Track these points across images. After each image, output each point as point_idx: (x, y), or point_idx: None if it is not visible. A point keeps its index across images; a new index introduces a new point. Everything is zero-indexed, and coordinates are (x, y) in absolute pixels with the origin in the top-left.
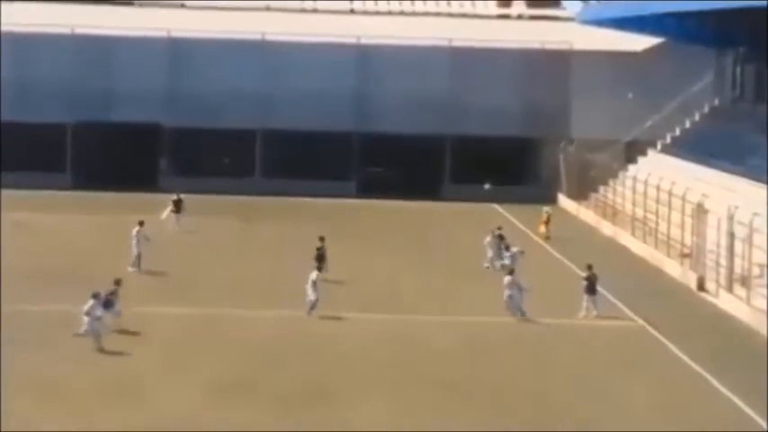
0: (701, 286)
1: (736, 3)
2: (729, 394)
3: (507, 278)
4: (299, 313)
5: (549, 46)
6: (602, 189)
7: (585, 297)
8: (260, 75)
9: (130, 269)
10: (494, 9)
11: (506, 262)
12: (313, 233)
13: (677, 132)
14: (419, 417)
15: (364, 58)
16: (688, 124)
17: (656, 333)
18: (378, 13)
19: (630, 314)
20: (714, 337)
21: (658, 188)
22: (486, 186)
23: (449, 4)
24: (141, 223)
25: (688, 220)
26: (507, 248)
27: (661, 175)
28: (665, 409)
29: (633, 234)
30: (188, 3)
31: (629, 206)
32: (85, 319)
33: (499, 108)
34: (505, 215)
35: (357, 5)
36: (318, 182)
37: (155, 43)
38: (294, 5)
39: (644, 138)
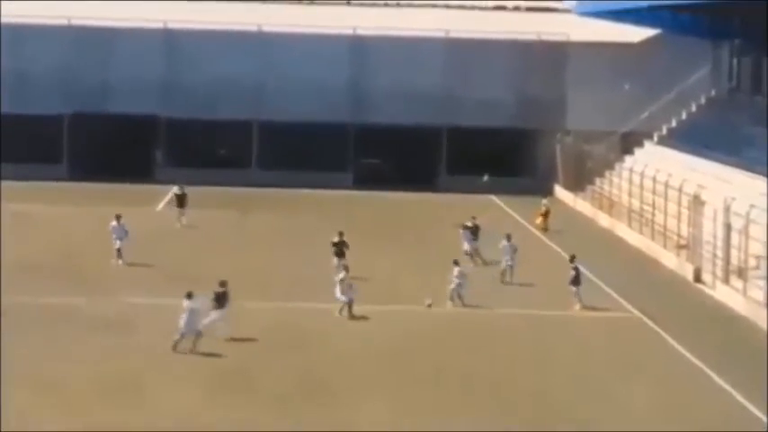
0: (698, 278)
1: None
2: (726, 386)
3: (457, 269)
4: (298, 304)
5: (545, 37)
6: (598, 180)
7: (573, 289)
8: (256, 66)
9: (112, 261)
10: (490, 1)
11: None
12: (311, 225)
13: (674, 124)
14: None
15: (360, 49)
16: (684, 116)
17: (652, 324)
18: (374, 4)
19: (627, 305)
20: (711, 329)
21: (655, 179)
22: (485, 178)
23: None
24: (119, 217)
25: (684, 212)
26: (475, 238)
27: (657, 166)
28: (661, 400)
29: (630, 225)
30: None
31: (625, 198)
32: (182, 321)
33: (496, 99)
34: (502, 206)
35: None
36: (315, 173)
37: (151, 35)
38: None
39: (640, 129)
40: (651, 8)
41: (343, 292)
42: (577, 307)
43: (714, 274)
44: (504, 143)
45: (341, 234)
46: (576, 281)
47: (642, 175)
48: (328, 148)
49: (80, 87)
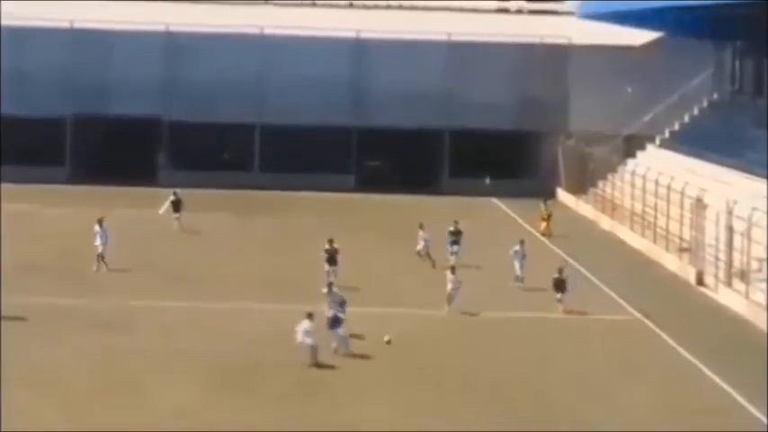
0: (700, 281)
1: None
2: (728, 388)
3: (451, 275)
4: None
5: (547, 40)
6: (600, 183)
7: (557, 295)
8: (258, 68)
9: (94, 268)
10: (492, 3)
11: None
12: (312, 228)
13: (676, 127)
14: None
15: (363, 51)
16: (687, 118)
17: (654, 327)
18: (376, 6)
19: (629, 309)
20: (713, 332)
21: (657, 182)
22: (487, 181)
23: None
24: (101, 221)
25: (687, 215)
26: (456, 243)
27: (660, 169)
28: (661, 402)
29: (632, 228)
30: None
31: (627, 200)
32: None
33: (498, 102)
34: (504, 209)
35: None
36: (317, 176)
37: (154, 37)
38: None
39: (643, 132)
40: (653, 10)
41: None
42: (560, 309)
43: (716, 276)
44: (507, 146)
45: (331, 241)
46: (560, 287)
47: (644, 177)
48: (331, 151)
49: (83, 90)
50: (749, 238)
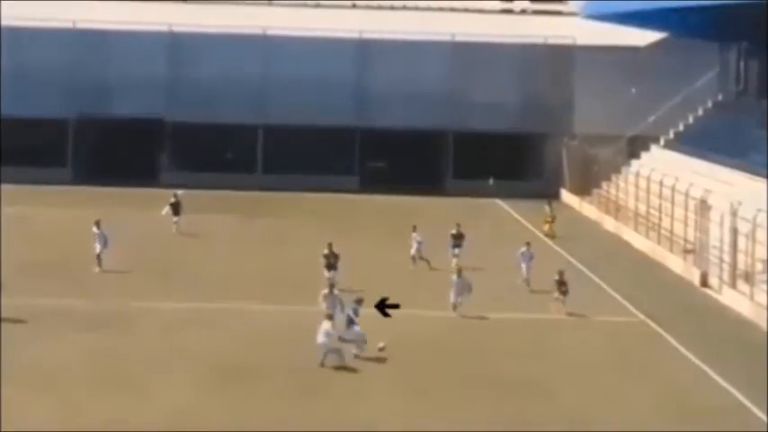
0: (704, 282)
1: None
2: (732, 389)
3: (456, 278)
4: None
5: (551, 41)
6: (604, 184)
7: (559, 296)
8: (261, 69)
9: (95, 270)
10: (496, 4)
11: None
12: (315, 228)
13: (681, 127)
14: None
15: (366, 52)
16: (691, 119)
17: (658, 329)
18: (380, 7)
19: (633, 310)
20: (717, 333)
21: (661, 183)
22: (490, 182)
23: None
24: (98, 223)
25: (691, 216)
26: (458, 245)
27: (664, 170)
28: (665, 403)
29: (636, 230)
30: None
31: (631, 202)
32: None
33: (502, 103)
34: (508, 210)
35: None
36: (321, 176)
37: (156, 37)
38: None
39: (647, 133)
40: (657, 11)
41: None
42: (552, 308)
43: (721, 278)
44: (511, 147)
45: (330, 246)
46: (560, 290)
47: (649, 178)
48: (334, 152)
49: (85, 90)
50: (753, 240)
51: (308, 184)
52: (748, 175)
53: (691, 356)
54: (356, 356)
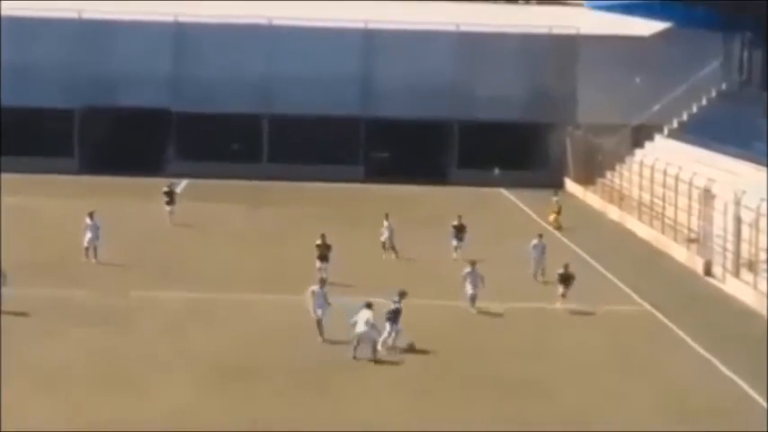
0: (708, 271)
1: None
2: (735, 377)
3: (469, 270)
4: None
5: (556, 31)
6: (608, 174)
7: (564, 290)
8: (267, 60)
9: (84, 259)
10: None
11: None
12: (319, 218)
13: (684, 117)
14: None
15: (371, 42)
16: (695, 109)
17: (662, 318)
18: None
19: (637, 299)
20: (721, 322)
21: (665, 173)
22: (495, 172)
23: None
24: (92, 214)
25: (695, 205)
26: (460, 238)
27: (668, 159)
28: (669, 392)
29: (640, 219)
30: None
31: (635, 191)
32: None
33: (506, 93)
34: (513, 200)
35: None
36: (326, 166)
37: (162, 28)
38: None
39: (651, 122)
40: (662, 1)
41: (318, 306)
42: (557, 304)
43: (724, 267)
44: (515, 137)
45: (323, 236)
46: (565, 282)
47: (652, 168)
48: (339, 142)
49: (91, 81)
50: (757, 229)
51: (313, 174)
52: (752, 165)
53: (695, 346)
54: (390, 350)
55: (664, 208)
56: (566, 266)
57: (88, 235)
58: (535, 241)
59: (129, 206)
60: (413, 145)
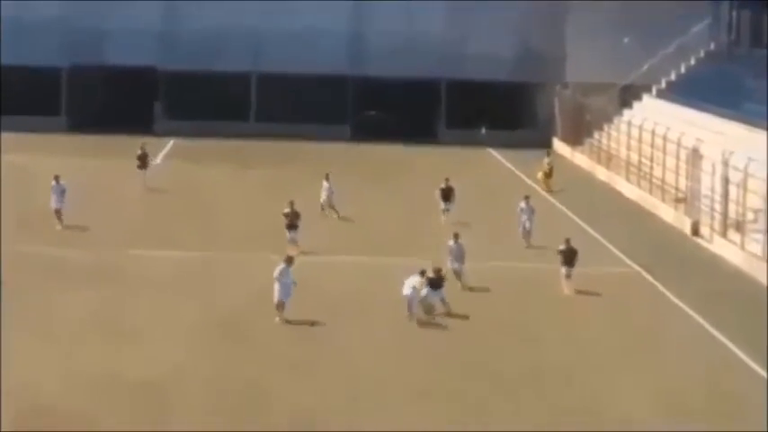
0: (696, 231)
1: None
2: (722, 338)
3: (451, 243)
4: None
5: None
6: (596, 134)
7: (568, 270)
8: (256, 17)
9: (58, 228)
10: None
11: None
12: (304, 177)
13: (672, 77)
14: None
15: (360, 1)
16: (683, 69)
17: (651, 278)
18: None
19: (626, 260)
20: (708, 282)
21: (653, 133)
22: (483, 131)
23: None
24: (57, 177)
25: (683, 165)
26: (448, 200)
27: (656, 119)
28: (654, 352)
29: (627, 179)
30: None
31: (623, 151)
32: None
33: (495, 52)
34: (501, 160)
35: None
36: (314, 125)
37: None
38: None
39: (639, 82)
40: None
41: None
42: (565, 289)
43: (712, 227)
44: (504, 96)
45: (291, 204)
46: (568, 260)
47: (641, 128)
48: (327, 101)
49: (78, 39)
50: (745, 189)
51: (301, 133)
52: (740, 125)
53: (684, 307)
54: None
55: (652, 168)
56: (567, 241)
57: (54, 198)
58: (522, 204)
59: (112, 166)
60: (401, 104)
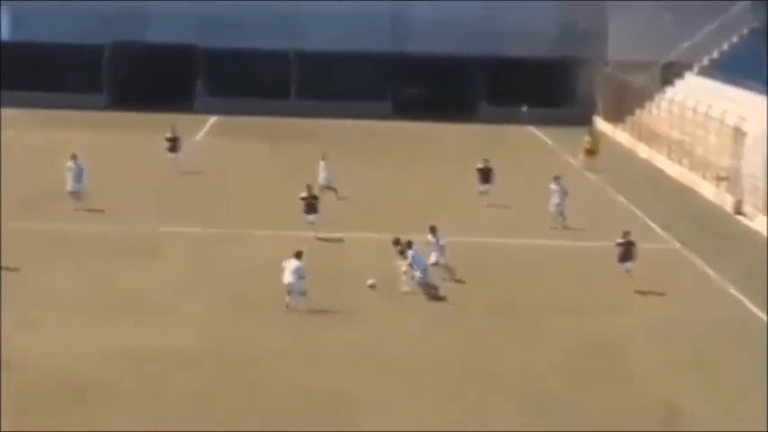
0: (738, 209)
1: None
2: (764, 316)
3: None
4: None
5: None
6: (638, 111)
7: (621, 266)
8: None
9: (72, 205)
10: None
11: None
12: (341, 154)
13: (715, 54)
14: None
15: None
16: (726, 46)
17: (692, 256)
18: None
19: (667, 237)
20: (751, 261)
21: (695, 111)
22: (524, 109)
23: None
24: (74, 156)
25: (725, 143)
26: (486, 180)
27: (698, 97)
28: (698, 327)
29: (669, 157)
30: None
31: (665, 129)
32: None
33: (537, 29)
34: (543, 138)
35: None
36: (354, 103)
37: None
38: None
39: (681, 60)
40: None
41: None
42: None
43: (754, 205)
44: (545, 73)
45: (309, 188)
46: (627, 256)
47: (682, 105)
48: (368, 78)
49: (120, 17)
50: None
51: (341, 110)
52: None
53: (724, 283)
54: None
55: (693, 146)
56: (625, 234)
57: (70, 178)
58: (553, 185)
59: (151, 141)
60: (441, 81)
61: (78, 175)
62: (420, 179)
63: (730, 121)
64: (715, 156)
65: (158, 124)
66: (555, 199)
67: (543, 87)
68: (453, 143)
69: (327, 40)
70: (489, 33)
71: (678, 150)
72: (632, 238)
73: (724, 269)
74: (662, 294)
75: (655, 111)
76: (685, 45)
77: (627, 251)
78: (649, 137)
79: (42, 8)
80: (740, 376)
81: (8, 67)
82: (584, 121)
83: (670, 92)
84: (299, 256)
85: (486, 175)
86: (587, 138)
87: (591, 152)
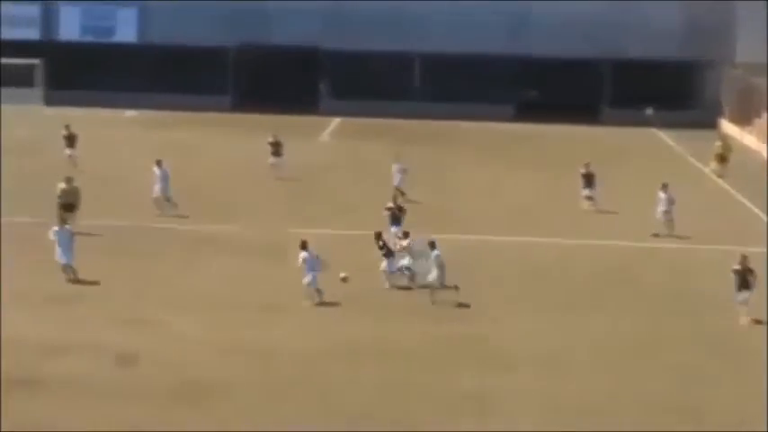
0: None
1: None
2: None
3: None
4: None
5: None
6: (765, 114)
7: (737, 295)
8: None
9: (164, 208)
10: None
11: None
12: (464, 157)
13: None
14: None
15: None
16: None
17: None
18: None
19: None
20: None
21: None
22: (648, 111)
23: None
24: (159, 162)
25: None
26: (589, 186)
27: None
28: None
29: None
30: None
31: None
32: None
33: (661, 29)
34: (667, 142)
35: None
36: (476, 105)
37: None
38: None
39: None
40: None
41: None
42: (745, 320)
43: None
44: (669, 75)
45: (395, 198)
46: (745, 283)
47: None
48: (490, 80)
49: (245, 19)
50: None
51: (464, 112)
52: None
53: None
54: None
55: None
56: (743, 260)
57: (157, 185)
58: (661, 194)
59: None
60: (563, 83)
61: (164, 182)
62: (530, 181)
63: None
64: None
65: (283, 126)
66: (661, 207)
67: (668, 89)
68: (573, 146)
69: (450, 42)
70: (613, 34)
71: None
72: (750, 263)
73: None
74: None
75: None
76: None
77: (744, 279)
78: None
79: (170, 11)
80: None
81: (136, 70)
82: (710, 123)
83: None
84: (304, 246)
85: (589, 179)
86: (718, 143)
87: (723, 158)
